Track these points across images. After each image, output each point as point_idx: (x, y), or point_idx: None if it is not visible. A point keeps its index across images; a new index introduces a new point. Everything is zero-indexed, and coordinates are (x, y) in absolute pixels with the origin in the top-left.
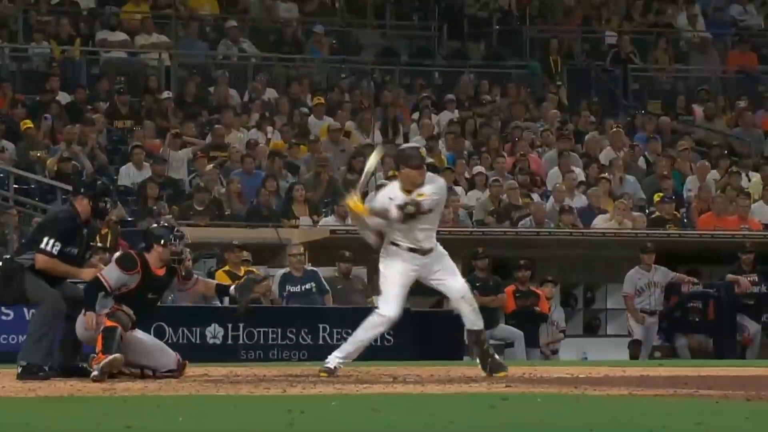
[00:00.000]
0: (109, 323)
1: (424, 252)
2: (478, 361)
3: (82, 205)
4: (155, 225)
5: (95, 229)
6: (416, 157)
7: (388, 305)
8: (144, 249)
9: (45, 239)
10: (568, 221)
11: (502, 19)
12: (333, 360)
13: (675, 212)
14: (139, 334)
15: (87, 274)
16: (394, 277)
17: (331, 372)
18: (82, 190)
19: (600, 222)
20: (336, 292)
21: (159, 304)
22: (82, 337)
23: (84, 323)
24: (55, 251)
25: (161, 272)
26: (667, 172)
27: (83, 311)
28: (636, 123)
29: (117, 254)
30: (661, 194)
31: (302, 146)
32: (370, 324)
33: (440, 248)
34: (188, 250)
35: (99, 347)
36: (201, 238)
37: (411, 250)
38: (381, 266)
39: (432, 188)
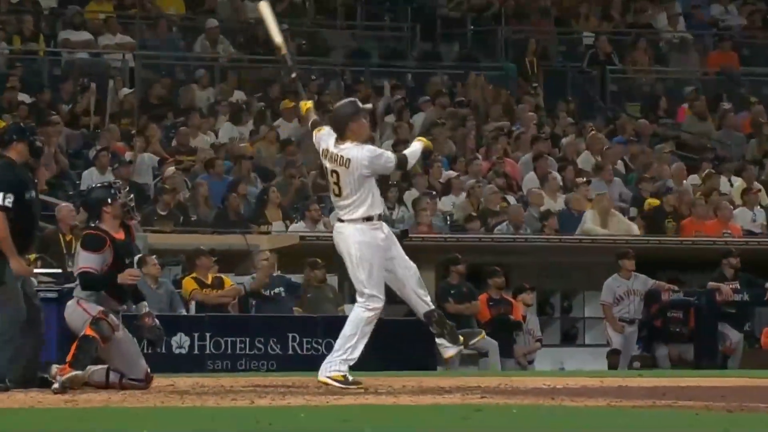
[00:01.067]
0: (89, 332)
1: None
2: (445, 341)
3: (18, 150)
4: (89, 190)
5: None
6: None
7: (378, 299)
8: (95, 220)
9: None
10: (553, 226)
11: (476, 20)
12: (338, 365)
13: (674, 205)
14: (121, 333)
15: (15, 265)
16: (374, 258)
17: (347, 382)
18: (14, 136)
19: (589, 225)
20: (306, 300)
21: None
22: (71, 325)
23: (73, 311)
24: (8, 203)
25: (122, 235)
26: (648, 176)
27: (76, 300)
28: (614, 126)
29: (80, 241)
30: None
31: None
32: (364, 321)
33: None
34: (131, 195)
35: (69, 357)
36: (166, 244)
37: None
38: (354, 249)
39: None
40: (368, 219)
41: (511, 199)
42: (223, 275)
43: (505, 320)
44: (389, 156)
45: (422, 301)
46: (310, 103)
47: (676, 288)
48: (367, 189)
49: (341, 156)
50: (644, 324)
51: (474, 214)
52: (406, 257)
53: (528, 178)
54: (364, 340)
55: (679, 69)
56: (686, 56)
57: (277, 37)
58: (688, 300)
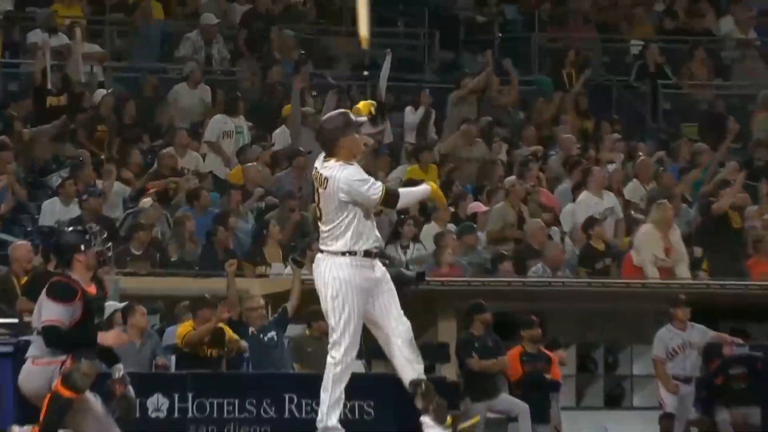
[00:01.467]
0: (60, 389)
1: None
2: (429, 420)
3: None
4: (59, 234)
5: None
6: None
7: (349, 350)
8: (64, 267)
9: None
10: (601, 236)
11: (505, 25)
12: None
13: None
14: (93, 401)
15: None
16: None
17: None
18: None
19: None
20: (306, 355)
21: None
22: (31, 392)
23: (29, 373)
24: None
25: (93, 290)
26: (716, 208)
27: (31, 360)
28: (668, 150)
29: (45, 289)
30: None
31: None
32: (332, 380)
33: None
34: (109, 244)
35: (38, 426)
36: (141, 289)
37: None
38: (329, 285)
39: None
40: (350, 254)
41: (554, 235)
42: (222, 325)
43: (539, 379)
44: (376, 185)
45: (409, 366)
46: (364, 106)
47: (740, 341)
48: (349, 219)
49: (321, 174)
50: (703, 383)
51: (506, 253)
52: (400, 310)
53: (567, 211)
54: (338, 406)
55: (743, 83)
56: (752, 68)
57: (364, 29)
58: (754, 355)
